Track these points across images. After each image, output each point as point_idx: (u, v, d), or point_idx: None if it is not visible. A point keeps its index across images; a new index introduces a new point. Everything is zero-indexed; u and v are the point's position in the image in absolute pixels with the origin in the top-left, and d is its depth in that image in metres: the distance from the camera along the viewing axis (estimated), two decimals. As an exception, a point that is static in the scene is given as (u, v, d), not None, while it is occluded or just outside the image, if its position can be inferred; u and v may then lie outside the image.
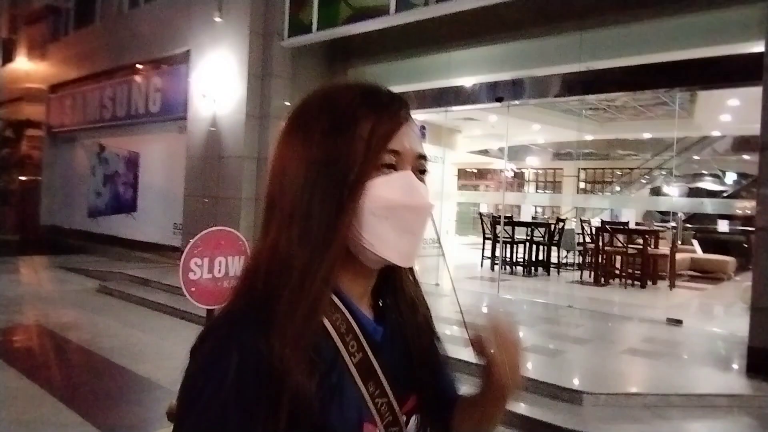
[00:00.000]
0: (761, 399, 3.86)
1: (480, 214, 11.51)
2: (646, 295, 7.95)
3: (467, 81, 7.82)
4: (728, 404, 3.79)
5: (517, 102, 7.44)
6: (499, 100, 7.24)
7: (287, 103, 8.27)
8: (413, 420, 0.79)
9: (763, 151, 4.28)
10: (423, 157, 0.73)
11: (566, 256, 10.88)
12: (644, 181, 16.93)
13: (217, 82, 8.35)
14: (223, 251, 3.08)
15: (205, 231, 3.06)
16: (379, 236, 0.68)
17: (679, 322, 5.84)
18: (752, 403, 3.84)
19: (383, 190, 0.67)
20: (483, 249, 9.98)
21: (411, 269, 0.83)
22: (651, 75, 5.94)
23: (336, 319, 0.69)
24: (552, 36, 6.78)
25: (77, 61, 12.29)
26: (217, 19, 8.34)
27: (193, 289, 2.96)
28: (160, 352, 4.66)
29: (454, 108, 8.14)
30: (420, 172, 0.72)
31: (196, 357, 0.63)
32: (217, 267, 3.05)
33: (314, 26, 7.70)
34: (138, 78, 10.37)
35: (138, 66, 10.37)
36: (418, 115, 9.63)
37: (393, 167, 0.69)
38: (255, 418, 0.59)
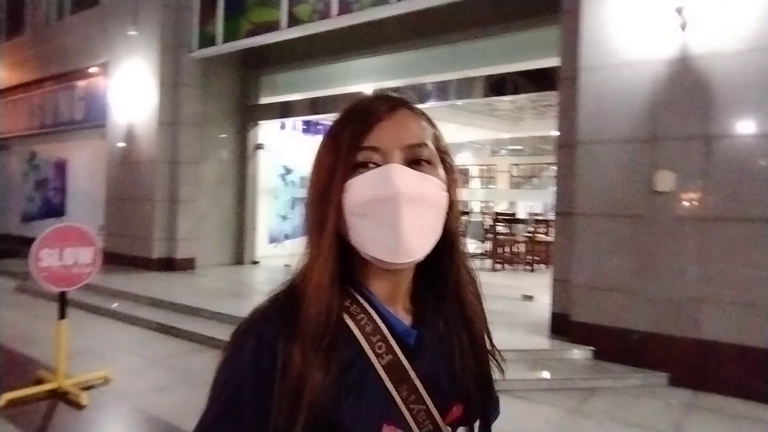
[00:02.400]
0: (555, 351, 4.72)
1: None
2: (525, 278, 8.84)
3: (363, 88, 8.55)
4: (533, 357, 4.63)
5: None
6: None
7: (200, 110, 8.91)
8: (460, 431, 0.76)
9: (559, 149, 5.12)
10: (417, 146, 0.71)
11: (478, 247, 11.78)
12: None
13: (132, 91, 8.89)
14: (72, 243, 3.73)
15: (54, 227, 3.70)
16: (363, 236, 0.69)
17: (530, 297, 6.72)
18: (550, 355, 4.70)
19: (357, 188, 0.68)
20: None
21: (473, 278, 0.83)
22: (483, 84, 6.86)
23: (361, 319, 0.70)
24: (427, 48, 7.57)
25: (8, 70, 12.61)
26: (132, 33, 8.88)
27: (44, 274, 3.60)
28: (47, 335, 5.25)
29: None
30: (414, 162, 0.71)
31: (224, 348, 0.69)
32: (67, 256, 3.70)
33: (219, 39, 8.34)
34: (63, 87, 10.80)
35: (63, 76, 10.80)
36: (331, 117, 10.35)
37: (376, 164, 0.69)
38: (266, 400, 0.63)
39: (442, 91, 7.50)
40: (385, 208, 0.67)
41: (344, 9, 6.89)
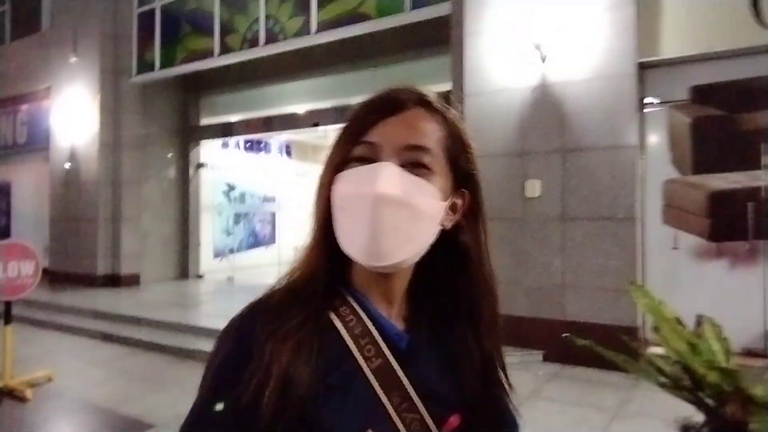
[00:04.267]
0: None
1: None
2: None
3: (297, 108, 9.21)
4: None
5: (332, 127, 8.92)
6: (316, 125, 8.68)
7: (141, 132, 9.39)
8: None
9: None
10: (417, 148, 0.68)
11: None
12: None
13: (74, 115, 9.30)
14: (15, 257, 4.25)
15: (-2, 243, 4.21)
16: (342, 230, 0.68)
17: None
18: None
19: (343, 181, 0.68)
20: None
21: (491, 300, 0.77)
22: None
23: (350, 321, 0.68)
24: (352, 72, 8.30)
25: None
26: (73, 59, 9.32)
27: (-10, 286, 4.11)
28: None
29: (284, 131, 9.54)
30: (412, 165, 0.68)
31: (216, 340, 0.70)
32: (11, 269, 4.22)
33: (156, 65, 8.88)
34: (6, 111, 11.06)
35: (5, 100, 11.06)
36: (270, 136, 10.94)
37: (372, 160, 0.67)
38: (244, 392, 0.62)
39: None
40: (361, 205, 0.65)
41: (271, 38, 7.57)
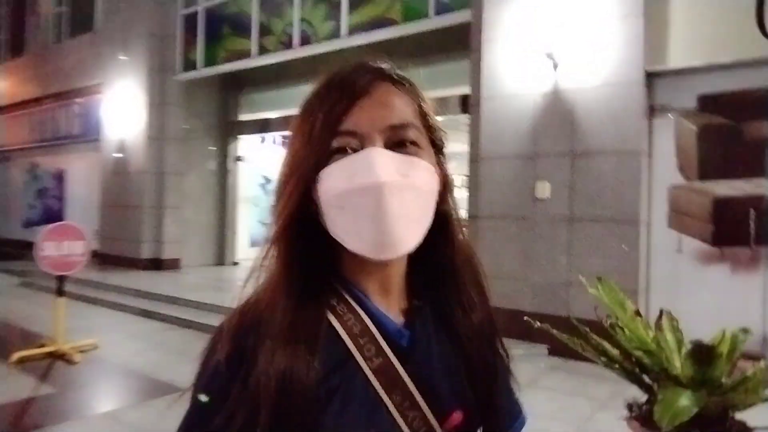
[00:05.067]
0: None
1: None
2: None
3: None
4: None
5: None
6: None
7: (185, 126, 10.01)
8: None
9: (471, 163, 6.20)
10: (400, 126, 0.65)
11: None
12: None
13: (123, 109, 9.99)
14: (68, 237, 4.81)
15: (53, 225, 4.78)
16: (343, 229, 0.64)
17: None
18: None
19: (333, 177, 0.63)
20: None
21: (473, 266, 0.77)
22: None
23: (348, 320, 0.66)
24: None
25: (10, 89, 13.73)
26: (122, 57, 10.01)
27: (46, 261, 4.68)
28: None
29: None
30: (399, 144, 0.64)
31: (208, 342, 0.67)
32: (64, 248, 4.78)
33: (199, 64, 9.46)
34: (61, 105, 11.92)
35: (61, 94, 11.91)
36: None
37: (354, 150, 0.63)
38: (242, 397, 0.60)
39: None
40: (365, 199, 0.61)
41: (304, 41, 8.02)
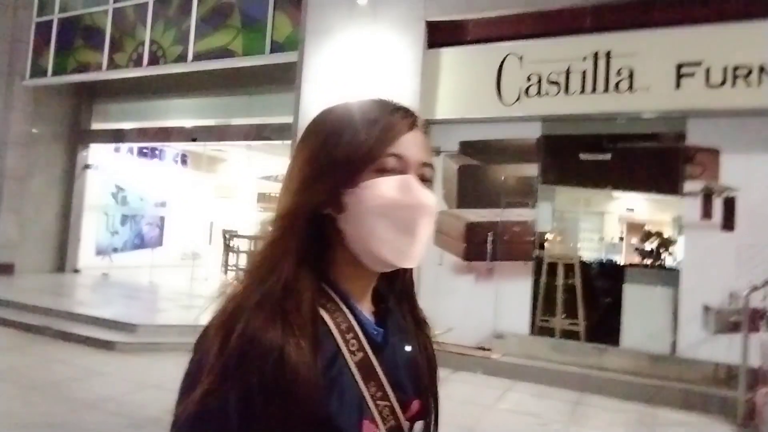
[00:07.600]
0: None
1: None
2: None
3: (184, 123, 10.05)
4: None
5: (208, 143, 9.94)
6: (194, 140, 9.67)
7: (34, 130, 9.98)
8: (418, 426, 0.78)
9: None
10: (428, 165, 0.76)
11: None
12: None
13: (-38, 109, 9.77)
14: None
15: None
16: (378, 236, 0.71)
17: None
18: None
19: (382, 189, 0.71)
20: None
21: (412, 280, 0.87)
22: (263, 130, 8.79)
23: (337, 317, 0.72)
24: (229, 95, 9.36)
25: None
26: (-34, 56, 9.82)
27: None
28: None
29: (168, 143, 10.46)
30: (423, 180, 0.75)
31: (199, 347, 0.67)
32: None
33: (49, 71, 9.60)
34: None
35: None
36: (162, 145, 11.72)
37: (398, 172, 0.73)
38: (255, 408, 0.63)
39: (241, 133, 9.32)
40: (408, 213, 0.72)
41: (153, 61, 8.55)
